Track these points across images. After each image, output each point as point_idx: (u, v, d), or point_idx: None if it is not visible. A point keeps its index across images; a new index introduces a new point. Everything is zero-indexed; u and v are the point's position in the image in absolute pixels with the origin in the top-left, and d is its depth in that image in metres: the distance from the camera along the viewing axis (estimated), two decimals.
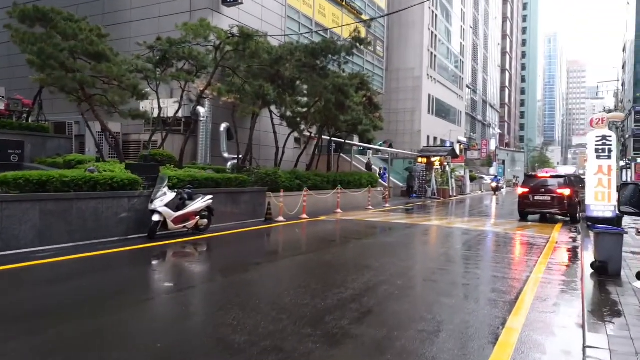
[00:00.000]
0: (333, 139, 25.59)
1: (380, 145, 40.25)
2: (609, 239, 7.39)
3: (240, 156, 17.02)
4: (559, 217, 17.02)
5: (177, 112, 15.35)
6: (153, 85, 15.18)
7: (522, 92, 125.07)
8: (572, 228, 14.65)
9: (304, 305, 5.34)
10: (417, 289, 6.53)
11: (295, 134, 20.47)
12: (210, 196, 11.15)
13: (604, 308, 5.40)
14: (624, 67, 69.83)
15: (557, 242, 11.23)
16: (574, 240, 11.92)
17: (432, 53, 45.25)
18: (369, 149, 37.53)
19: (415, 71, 42.75)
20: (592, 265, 7.69)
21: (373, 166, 30.91)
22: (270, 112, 18.99)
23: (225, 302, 5.46)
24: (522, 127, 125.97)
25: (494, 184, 38.75)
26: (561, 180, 16.76)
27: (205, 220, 11.03)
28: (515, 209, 18.18)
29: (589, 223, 7.83)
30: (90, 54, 11.07)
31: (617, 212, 14.31)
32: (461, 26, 57.19)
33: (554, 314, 5.47)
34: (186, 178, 11.75)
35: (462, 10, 58.20)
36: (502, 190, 43.26)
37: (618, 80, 60.64)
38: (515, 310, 5.40)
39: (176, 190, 10.52)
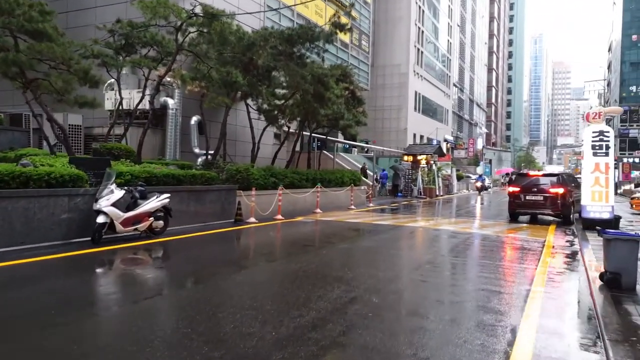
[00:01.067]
0: (314, 134, 24.43)
1: (365, 143, 39.21)
2: (622, 247, 6.27)
3: (212, 152, 15.72)
4: (550, 218, 16.04)
5: (139, 102, 13.99)
6: (114, 73, 13.80)
7: (509, 92, 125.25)
8: (567, 230, 13.65)
9: (248, 335, 4.13)
10: (395, 310, 5.35)
11: (275, 129, 19.28)
12: (167, 195, 9.87)
13: (629, 337, 4.29)
14: (609, 67, 69.82)
15: (553, 247, 10.17)
16: (571, 244, 10.88)
17: (418, 49, 44.28)
18: (354, 146, 36.45)
19: (402, 67, 41.73)
20: (602, 277, 6.61)
21: (368, 170, 29.80)
22: (247, 105, 17.73)
23: (148, 332, 4.23)
24: (508, 126, 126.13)
25: (478, 184, 37.01)
26: (554, 178, 15.78)
27: (161, 222, 9.75)
28: (505, 210, 17.20)
29: (598, 228, 6.68)
30: (29, 31, 9.71)
31: (614, 214, 13.35)
32: (448, 23, 56.38)
33: (566, 345, 4.33)
34: (142, 174, 10.45)
35: (449, 7, 57.40)
36: (489, 189, 42.21)
37: (605, 80, 60.44)
38: (517, 341, 4.26)
39: (126, 188, 9.21)
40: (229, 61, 14.34)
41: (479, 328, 4.60)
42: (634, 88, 58.52)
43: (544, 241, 10.99)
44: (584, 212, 13.41)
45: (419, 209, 20.75)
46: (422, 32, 45.18)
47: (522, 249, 9.83)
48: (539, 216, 16.35)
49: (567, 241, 11.31)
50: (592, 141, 13.25)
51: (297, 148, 21.39)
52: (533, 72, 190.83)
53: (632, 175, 41.30)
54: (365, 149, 38.49)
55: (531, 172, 17.31)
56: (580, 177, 14.84)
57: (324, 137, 22.54)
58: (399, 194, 29.61)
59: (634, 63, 62.56)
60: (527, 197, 15.59)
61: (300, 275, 6.72)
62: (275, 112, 16.58)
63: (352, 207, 19.00)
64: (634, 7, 59.41)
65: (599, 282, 6.56)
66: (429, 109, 49.07)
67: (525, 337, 4.39)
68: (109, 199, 8.69)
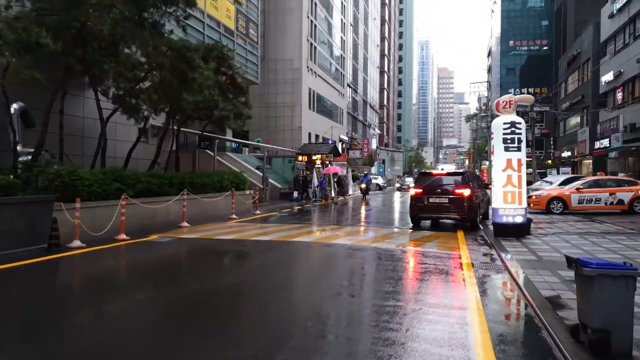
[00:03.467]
0: (190, 131, 20.82)
1: (257, 142, 36.10)
2: (610, 288, 3.93)
3: (31, 150, 11.56)
4: (452, 221, 14.22)
5: None
6: None
7: (399, 94, 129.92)
8: (477, 237, 11.77)
9: None
10: None
11: (140, 123, 15.37)
12: None
13: None
14: (489, 71, 74.37)
15: (474, 266, 7.94)
16: (492, 258, 8.79)
17: (312, 44, 42.16)
18: (244, 145, 33.16)
19: (295, 62, 39.25)
20: (574, 333, 4.25)
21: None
22: (96, 91, 13.66)
23: None
24: (399, 128, 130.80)
25: (362, 185, 30.49)
26: (459, 178, 14.02)
27: None
28: (405, 212, 15.19)
29: (578, 259, 4.19)
30: None
31: (528, 216, 11.70)
32: (342, 20, 55.30)
33: None
34: None
35: (342, 3, 56.34)
36: (385, 189, 40.96)
37: (488, 82, 63.91)
38: None
39: None
40: (54, 26, 10.36)
41: None
42: (512, 91, 62.58)
43: (459, 256, 8.78)
44: (495, 216, 11.66)
45: (313, 215, 18.17)
46: (315, 26, 43.16)
47: (438, 273, 7.42)
48: (441, 220, 14.49)
49: (484, 254, 9.23)
50: (504, 134, 11.52)
51: (175, 147, 17.68)
52: (421, 76, 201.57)
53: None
54: (258, 149, 35.39)
55: (435, 171, 15.54)
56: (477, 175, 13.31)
57: (199, 132, 18.98)
58: (294, 198, 26.97)
59: (510, 68, 67.06)
60: (431, 200, 13.63)
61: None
62: (127, 97, 12.78)
63: (234, 216, 15.81)
64: (512, 15, 63.66)
65: (570, 342, 4.17)
66: (324, 107, 47.27)
67: None
68: None
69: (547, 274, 7.09)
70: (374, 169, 61.87)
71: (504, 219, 11.28)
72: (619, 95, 28.37)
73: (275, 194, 27.29)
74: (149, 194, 12.29)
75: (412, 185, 14.52)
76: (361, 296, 6.20)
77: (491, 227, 13.03)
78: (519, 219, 11.22)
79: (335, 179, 29.26)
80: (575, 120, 38.74)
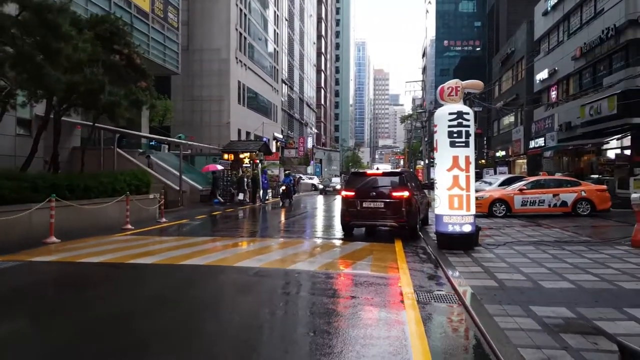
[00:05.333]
0: (70, 120, 17.54)
1: (180, 138, 32.78)
2: None
3: None
4: (387, 228, 12.19)
5: None
6: None
7: (337, 94, 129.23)
8: (418, 249, 9.81)
9: None
10: None
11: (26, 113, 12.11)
12: None
13: None
14: (424, 71, 74.87)
15: (418, 299, 5.81)
16: (439, 283, 6.75)
17: (241, 34, 39.28)
18: (162, 141, 29.79)
19: (222, 52, 36.22)
20: None
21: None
22: None
23: None
24: (336, 128, 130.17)
25: (283, 187, 24.96)
26: (396, 179, 12.04)
27: None
28: (336, 218, 13.04)
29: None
30: None
31: (477, 225, 9.82)
32: (275, 12, 52.73)
33: None
34: None
35: None
36: (326, 190, 37.09)
37: (423, 81, 63.95)
38: None
39: None
40: None
41: None
42: None
43: (399, 283, 6.67)
44: (439, 225, 9.72)
45: (229, 223, 15.64)
46: (246, 15, 40.30)
47: (371, 321, 5.20)
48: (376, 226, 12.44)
49: (429, 277, 7.19)
50: (449, 126, 9.59)
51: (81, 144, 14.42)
52: (358, 77, 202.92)
53: None
54: (179, 146, 32.08)
55: (369, 171, 13.51)
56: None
57: (91, 124, 15.81)
58: (216, 201, 24.14)
59: (444, 69, 67.58)
60: (365, 204, 11.54)
61: None
62: None
63: (129, 226, 12.91)
64: (446, 15, 64.11)
65: None
66: (256, 103, 44.49)
67: None
68: None
69: (517, 312, 5.11)
70: (310, 169, 59.87)
71: (450, 228, 9.36)
72: (554, 94, 28.07)
73: (195, 197, 24.35)
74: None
75: (339, 186, 12.46)
76: None
77: (433, 235, 11.19)
78: (467, 228, 9.34)
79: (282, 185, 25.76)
80: (509, 119, 38.74)
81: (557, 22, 27.64)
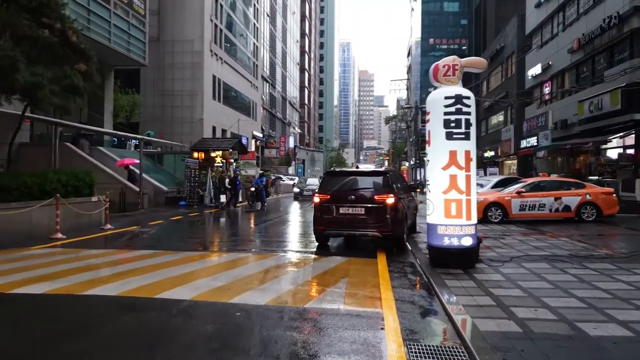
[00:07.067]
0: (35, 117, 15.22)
1: (148, 135, 30.41)
2: None
3: None
4: (369, 238, 10.22)
5: None
6: None
7: (321, 94, 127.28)
8: (406, 267, 7.87)
9: None
10: None
11: None
12: None
13: None
14: (409, 70, 73.41)
15: (412, 356, 3.82)
16: (437, 324, 4.78)
17: (217, 25, 37.00)
18: (128, 138, 27.40)
19: (195, 44, 33.91)
20: None
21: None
22: None
23: None
24: (321, 128, 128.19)
25: (252, 188, 22.04)
26: (379, 179, 10.07)
27: None
28: (312, 226, 10.99)
29: None
30: None
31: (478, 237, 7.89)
32: (254, 5, 50.45)
33: None
34: None
35: None
36: (299, 194, 30.23)
37: (408, 79, 62.41)
38: None
39: None
40: None
41: None
42: (431, 90, 61.65)
43: (383, 325, 4.69)
44: (432, 237, 7.76)
45: (184, 231, 13.53)
46: (222, 5, 38.00)
47: None
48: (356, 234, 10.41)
49: (423, 314, 5.23)
50: (445, 114, 7.63)
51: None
52: (342, 78, 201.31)
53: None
54: (150, 144, 29.75)
55: (347, 169, 11.54)
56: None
57: (26, 115, 13.56)
58: (182, 203, 21.95)
59: (429, 69, 65.85)
60: (342, 210, 9.56)
61: None
62: None
63: (59, 235, 10.73)
64: (431, 13, 62.69)
65: None
66: (232, 98, 42.17)
67: None
68: None
69: None
70: (291, 169, 57.77)
71: (446, 242, 7.40)
72: (547, 90, 26.44)
73: (160, 198, 22.11)
74: None
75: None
76: None
77: (422, 246, 9.28)
78: (468, 241, 7.39)
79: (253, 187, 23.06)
80: (497, 118, 37.15)
81: (552, 14, 26.02)
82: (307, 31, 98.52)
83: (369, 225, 9.37)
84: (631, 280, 6.50)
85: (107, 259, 8.25)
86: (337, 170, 11.73)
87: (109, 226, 12.82)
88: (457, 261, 7.41)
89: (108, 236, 11.50)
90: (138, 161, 20.83)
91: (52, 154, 17.65)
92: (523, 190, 14.54)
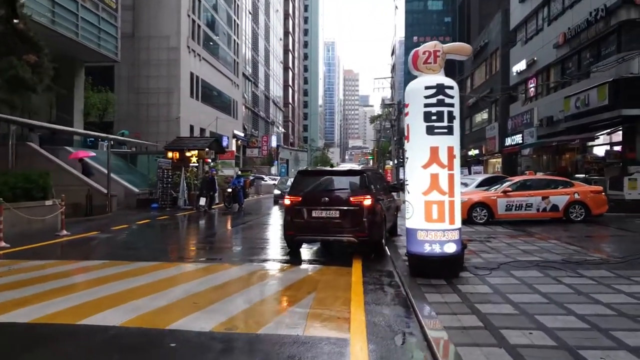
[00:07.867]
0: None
1: (122, 135, 29.26)
2: None
3: None
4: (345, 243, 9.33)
5: None
6: None
7: (305, 93, 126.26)
8: (383, 278, 7.04)
9: None
10: None
11: None
12: None
13: None
14: (393, 69, 72.91)
15: None
16: (414, 355, 3.95)
17: (194, 21, 35.87)
18: (100, 138, 26.17)
19: (172, 40, 32.77)
20: None
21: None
22: None
23: None
24: (305, 128, 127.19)
25: (229, 189, 20.97)
26: (356, 179, 9.26)
27: None
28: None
29: None
30: None
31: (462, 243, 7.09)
32: (235, 1, 49.27)
33: None
34: None
35: None
36: (280, 197, 27.57)
37: (392, 77, 61.84)
38: None
39: None
40: None
41: None
42: None
43: (349, 358, 3.83)
44: (412, 244, 6.93)
45: (147, 237, 12.55)
46: (199, 0, 36.86)
47: None
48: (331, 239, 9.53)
49: (397, 338, 4.38)
50: (426, 105, 6.81)
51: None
52: (327, 77, 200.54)
53: None
54: (124, 144, 28.56)
55: (322, 168, 10.67)
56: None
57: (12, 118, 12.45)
58: (154, 205, 20.88)
59: None
60: (315, 214, 8.73)
61: None
62: None
63: (3, 243, 9.71)
64: (415, 11, 62.18)
65: None
66: (211, 96, 41.00)
67: None
68: None
69: None
70: (274, 169, 56.76)
71: (426, 248, 6.59)
72: (532, 86, 25.91)
73: (131, 201, 21.02)
74: None
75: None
76: None
77: (402, 251, 8.47)
78: (451, 248, 6.59)
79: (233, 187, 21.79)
80: (482, 116, 36.66)
81: (536, 8, 25.49)
82: (290, 29, 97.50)
83: (345, 229, 8.54)
84: (633, 291, 5.76)
85: (44, 273, 7.26)
86: (310, 169, 10.90)
87: (64, 232, 11.76)
88: (440, 270, 6.62)
89: (59, 244, 10.47)
90: (94, 154, 19.73)
91: (9, 154, 16.49)
92: (509, 189, 13.86)
